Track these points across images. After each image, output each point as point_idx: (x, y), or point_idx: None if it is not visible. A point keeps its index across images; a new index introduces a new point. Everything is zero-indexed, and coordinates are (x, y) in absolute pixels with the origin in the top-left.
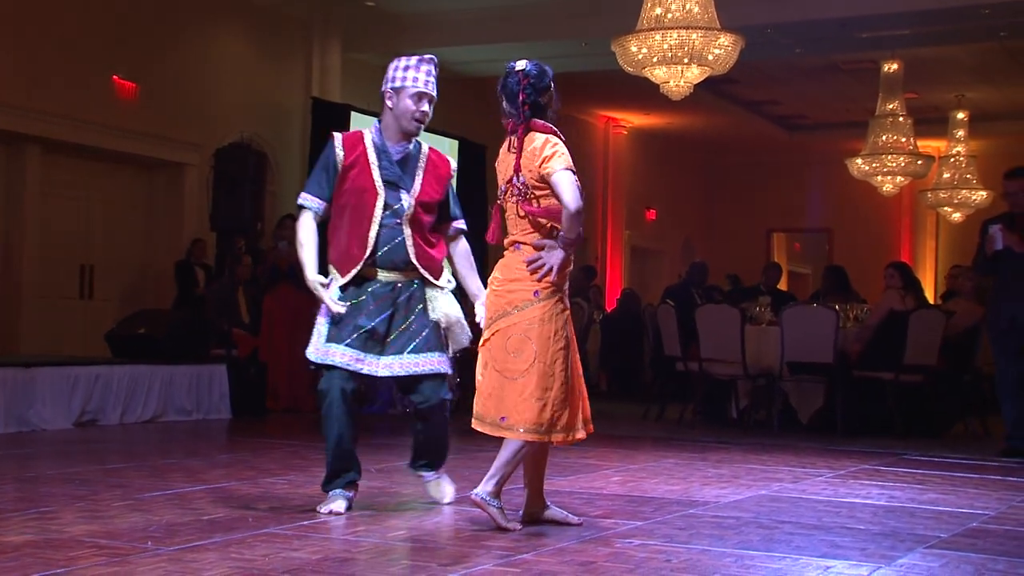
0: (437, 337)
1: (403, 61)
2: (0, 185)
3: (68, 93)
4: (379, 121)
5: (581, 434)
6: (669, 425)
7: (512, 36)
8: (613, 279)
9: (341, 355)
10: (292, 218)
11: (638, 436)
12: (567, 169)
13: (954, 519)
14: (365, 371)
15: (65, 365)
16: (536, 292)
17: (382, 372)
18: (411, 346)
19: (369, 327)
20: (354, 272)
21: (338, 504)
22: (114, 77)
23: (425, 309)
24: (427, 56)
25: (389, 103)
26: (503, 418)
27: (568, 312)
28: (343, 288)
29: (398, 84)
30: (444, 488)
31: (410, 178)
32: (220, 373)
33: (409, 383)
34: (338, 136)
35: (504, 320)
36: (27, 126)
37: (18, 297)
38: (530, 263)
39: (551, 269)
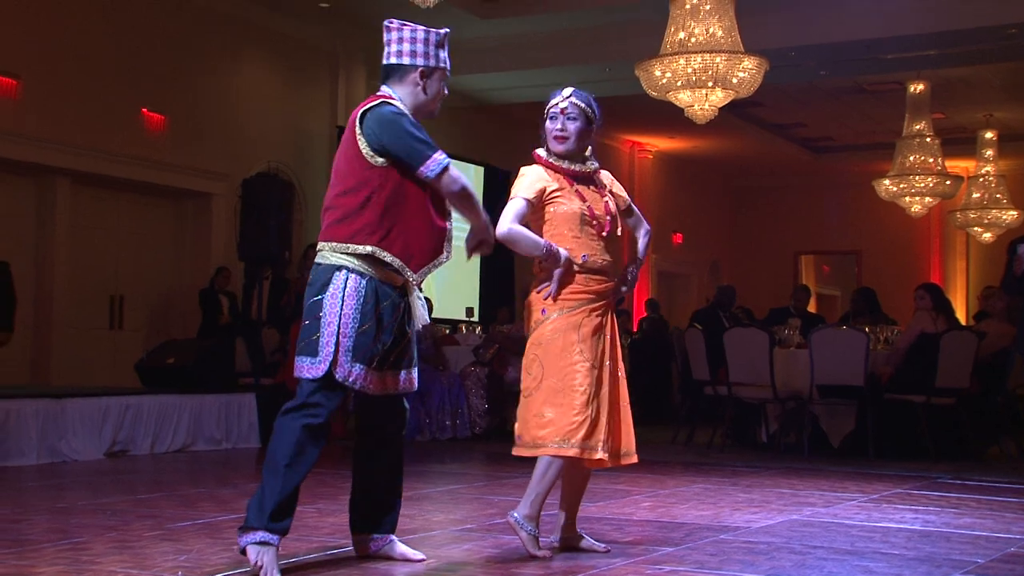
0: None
1: (432, 35)
2: (31, 217)
3: (97, 126)
4: (394, 94)
5: (598, 454)
6: (698, 449)
7: (535, 63)
8: (640, 303)
9: (369, 380)
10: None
11: (667, 461)
12: (513, 198)
13: (991, 544)
14: (388, 391)
15: (96, 396)
16: (543, 311)
17: (402, 388)
18: (404, 362)
19: (390, 342)
20: (430, 270)
21: (270, 556)
22: (143, 109)
23: (410, 320)
24: (444, 29)
25: (419, 81)
26: (519, 436)
27: (588, 328)
28: (368, 299)
29: (432, 63)
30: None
31: None
32: (249, 402)
33: (381, 403)
34: (399, 102)
35: (527, 344)
36: (57, 159)
37: (49, 328)
38: (538, 283)
39: (549, 287)
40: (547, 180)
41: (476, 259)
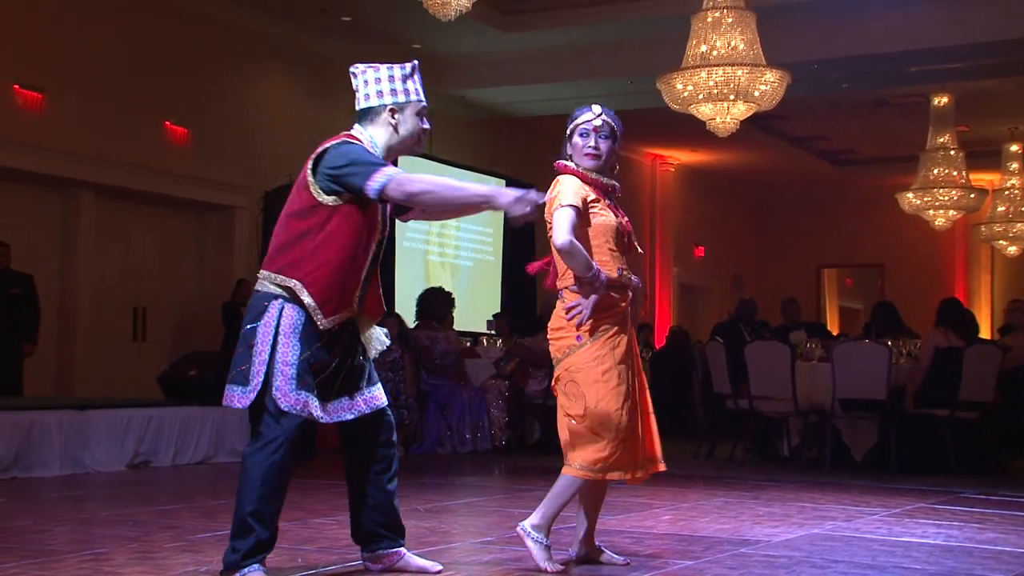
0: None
1: (397, 70)
2: (55, 230)
3: (121, 139)
4: (363, 133)
5: (640, 474)
6: (720, 463)
7: (557, 76)
8: (662, 316)
9: (318, 408)
10: None
11: (688, 474)
12: (564, 206)
13: (1015, 559)
14: (347, 418)
15: (119, 408)
16: (579, 337)
17: (349, 415)
18: (363, 381)
19: (334, 368)
20: (342, 318)
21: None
22: (166, 123)
23: (363, 347)
24: (414, 62)
25: (392, 120)
26: (567, 456)
27: (623, 348)
28: (308, 327)
29: (402, 99)
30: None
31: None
32: None
33: (359, 423)
34: (368, 141)
35: (558, 367)
36: (81, 172)
37: (73, 340)
38: (568, 310)
39: (583, 313)
40: (585, 190)
41: (496, 272)
